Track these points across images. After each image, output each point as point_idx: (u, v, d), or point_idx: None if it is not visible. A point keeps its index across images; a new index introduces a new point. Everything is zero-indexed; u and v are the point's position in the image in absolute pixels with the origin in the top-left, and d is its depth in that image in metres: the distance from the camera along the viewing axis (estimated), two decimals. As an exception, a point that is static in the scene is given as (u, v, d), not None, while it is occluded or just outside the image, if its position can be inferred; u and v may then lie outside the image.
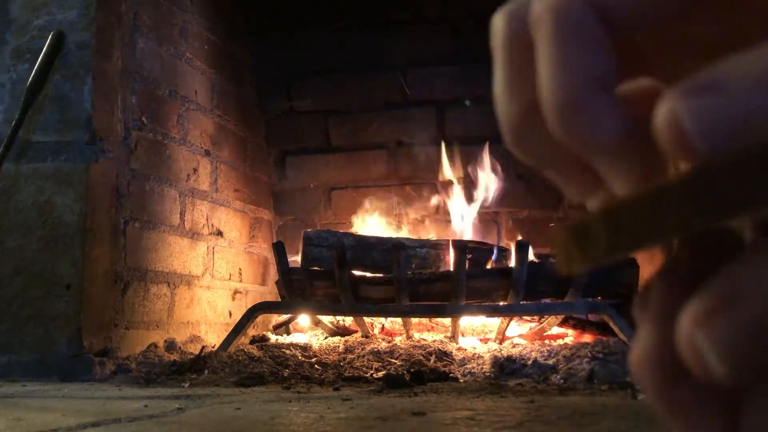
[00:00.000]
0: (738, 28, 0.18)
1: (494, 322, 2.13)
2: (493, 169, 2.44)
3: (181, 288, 2.12)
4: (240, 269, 2.51)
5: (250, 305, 2.23)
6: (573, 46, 0.18)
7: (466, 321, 2.20)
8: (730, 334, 0.15)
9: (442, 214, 2.58)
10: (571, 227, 0.19)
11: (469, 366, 1.72)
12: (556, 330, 2.14)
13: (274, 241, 2.40)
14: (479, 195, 2.45)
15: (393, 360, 1.77)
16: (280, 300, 2.21)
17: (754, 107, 0.15)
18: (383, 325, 2.29)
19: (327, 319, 2.25)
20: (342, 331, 2.22)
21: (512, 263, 2.02)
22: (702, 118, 0.15)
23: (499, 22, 0.20)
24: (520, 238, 2.31)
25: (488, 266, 2.08)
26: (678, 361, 0.17)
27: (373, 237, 2.21)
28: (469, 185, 2.49)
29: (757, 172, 0.15)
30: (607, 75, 0.18)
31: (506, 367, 1.66)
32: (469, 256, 1.99)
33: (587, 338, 2.03)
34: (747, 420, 0.17)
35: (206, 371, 1.70)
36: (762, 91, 0.15)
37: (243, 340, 2.07)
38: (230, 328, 2.06)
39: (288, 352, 1.89)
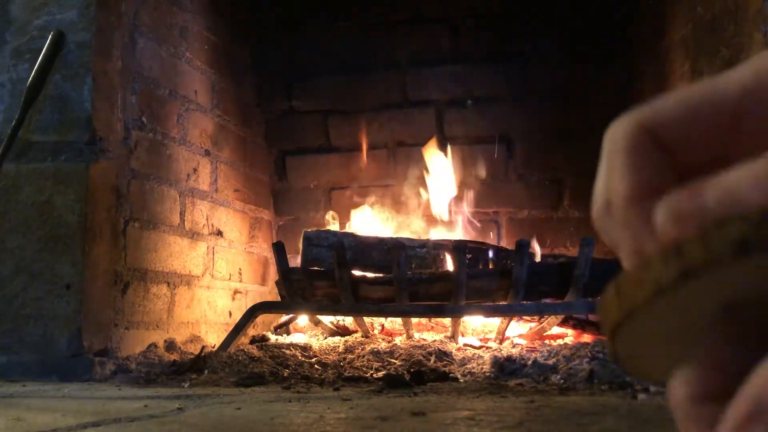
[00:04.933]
0: None
1: (494, 322, 2.13)
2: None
3: (181, 288, 2.12)
4: (240, 269, 2.51)
5: (250, 305, 2.23)
6: (630, 161, 0.23)
7: (466, 321, 2.20)
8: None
9: (441, 214, 2.58)
10: (602, 298, 0.22)
11: (469, 366, 1.72)
12: (556, 330, 2.14)
13: (274, 241, 2.40)
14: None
15: (393, 360, 1.77)
16: (280, 300, 2.21)
17: (716, 209, 0.20)
18: (383, 325, 2.29)
19: (327, 319, 2.24)
20: (342, 331, 2.21)
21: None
22: (676, 214, 0.21)
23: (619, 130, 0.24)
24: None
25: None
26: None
27: (373, 237, 2.21)
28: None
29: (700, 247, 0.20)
30: (658, 183, 0.23)
31: (506, 367, 1.66)
32: (469, 256, 1.99)
33: (587, 338, 2.03)
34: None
35: (206, 371, 1.70)
36: (724, 199, 0.20)
37: (243, 340, 2.07)
38: (230, 328, 2.06)
39: (288, 352, 1.89)
